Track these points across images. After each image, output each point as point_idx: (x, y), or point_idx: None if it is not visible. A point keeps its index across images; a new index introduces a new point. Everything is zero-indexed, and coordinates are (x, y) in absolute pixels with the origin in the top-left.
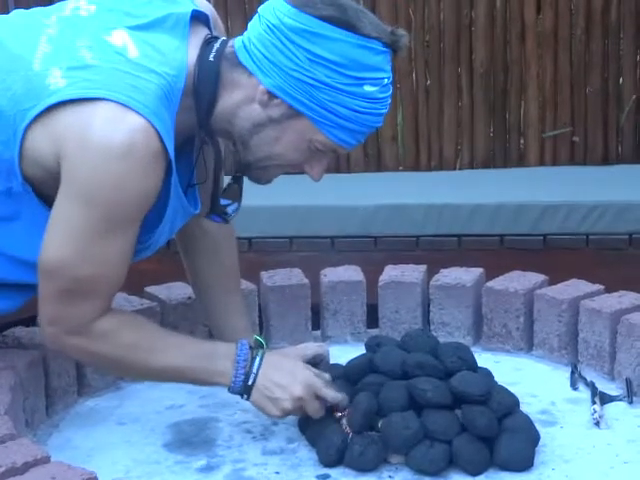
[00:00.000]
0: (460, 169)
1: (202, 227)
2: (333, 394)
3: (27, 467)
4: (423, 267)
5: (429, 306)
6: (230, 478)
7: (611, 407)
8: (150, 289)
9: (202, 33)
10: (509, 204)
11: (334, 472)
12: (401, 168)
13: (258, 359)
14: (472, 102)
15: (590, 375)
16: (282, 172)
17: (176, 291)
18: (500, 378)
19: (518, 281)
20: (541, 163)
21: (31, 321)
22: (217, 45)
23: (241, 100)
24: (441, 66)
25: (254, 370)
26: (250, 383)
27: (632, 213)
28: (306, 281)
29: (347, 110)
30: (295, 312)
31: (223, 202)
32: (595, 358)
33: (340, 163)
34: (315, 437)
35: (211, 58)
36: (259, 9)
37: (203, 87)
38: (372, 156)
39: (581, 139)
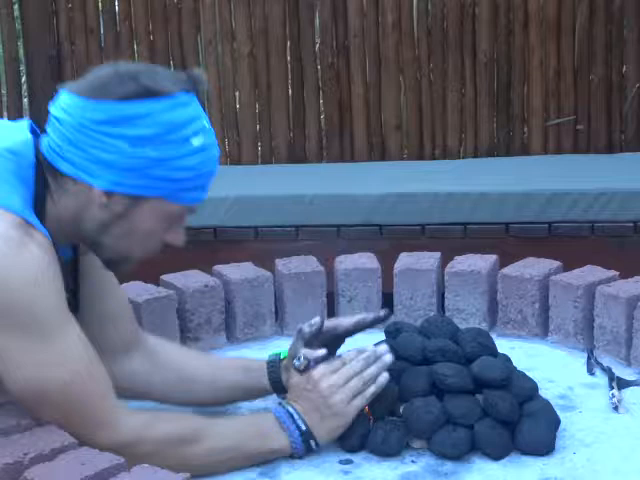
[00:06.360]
0: (464, 158)
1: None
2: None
3: (55, 453)
4: (437, 254)
5: (444, 293)
6: None
7: (628, 392)
8: (166, 277)
9: None
10: (514, 193)
11: (357, 457)
12: (405, 157)
13: (290, 408)
14: (475, 91)
15: (606, 361)
16: (145, 253)
17: (192, 278)
18: (516, 364)
19: (533, 267)
20: (545, 152)
21: None
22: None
23: (77, 207)
24: (445, 54)
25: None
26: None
27: (637, 201)
28: (321, 268)
29: (186, 171)
30: (311, 299)
31: None
32: (611, 344)
33: (344, 152)
34: None
35: None
36: (50, 109)
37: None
38: (376, 145)
39: (585, 127)
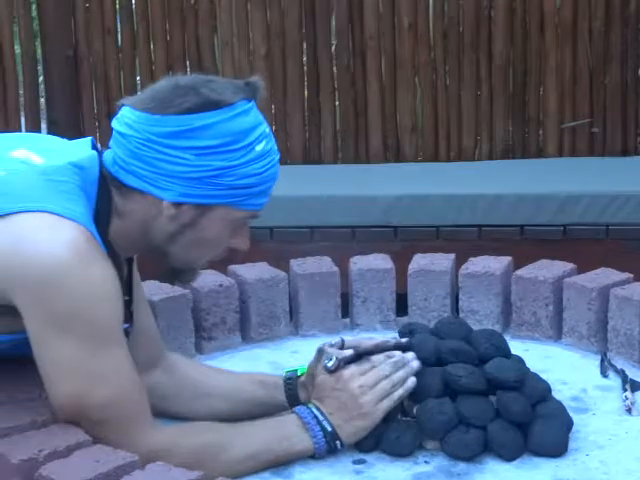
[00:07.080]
0: (479, 160)
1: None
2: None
3: (70, 450)
4: (452, 256)
5: (458, 294)
6: None
7: None
8: None
9: None
10: (529, 195)
11: (370, 457)
12: (420, 159)
13: (315, 409)
14: (491, 93)
15: (620, 363)
16: (211, 260)
17: (207, 278)
18: (530, 366)
19: (547, 269)
20: (560, 154)
21: None
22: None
23: (145, 220)
24: (460, 56)
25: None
26: (330, 430)
27: None
28: (336, 269)
29: (251, 178)
30: (325, 299)
31: None
32: (625, 346)
33: (359, 154)
34: None
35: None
36: (114, 125)
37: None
38: (391, 146)
39: (600, 130)
